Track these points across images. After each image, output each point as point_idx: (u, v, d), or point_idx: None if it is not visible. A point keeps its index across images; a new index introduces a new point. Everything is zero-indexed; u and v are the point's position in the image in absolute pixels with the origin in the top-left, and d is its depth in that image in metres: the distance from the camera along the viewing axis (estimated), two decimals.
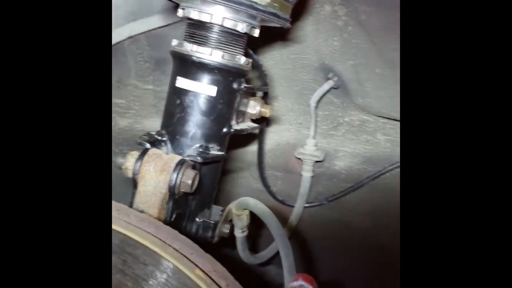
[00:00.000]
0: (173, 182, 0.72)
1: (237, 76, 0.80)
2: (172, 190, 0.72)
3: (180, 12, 0.79)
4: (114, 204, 0.60)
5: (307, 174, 1.20)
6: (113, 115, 1.31)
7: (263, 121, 1.12)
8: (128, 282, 0.55)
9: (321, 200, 1.26)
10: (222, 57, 0.77)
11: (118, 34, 1.16)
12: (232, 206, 0.88)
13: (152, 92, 1.27)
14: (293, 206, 1.25)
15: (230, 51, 0.78)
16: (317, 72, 1.14)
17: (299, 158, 1.20)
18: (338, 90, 1.14)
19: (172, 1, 0.82)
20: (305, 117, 1.22)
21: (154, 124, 1.30)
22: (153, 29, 1.15)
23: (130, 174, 0.74)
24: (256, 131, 1.09)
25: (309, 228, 1.30)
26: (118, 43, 1.17)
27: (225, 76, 0.78)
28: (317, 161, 1.20)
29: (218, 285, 0.54)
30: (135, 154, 0.75)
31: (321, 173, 1.24)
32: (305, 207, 1.25)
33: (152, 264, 0.54)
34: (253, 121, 0.94)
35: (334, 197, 1.24)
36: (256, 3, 0.71)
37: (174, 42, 0.81)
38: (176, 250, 0.55)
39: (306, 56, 1.12)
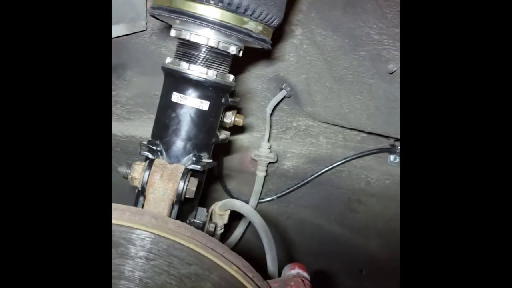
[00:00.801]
0: (181, 190, 0.80)
1: (226, 92, 0.90)
2: (179, 197, 0.80)
3: (173, 33, 0.86)
4: (151, 213, 0.67)
5: (261, 173, 1.34)
6: None
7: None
8: (172, 281, 0.63)
9: (271, 196, 1.40)
10: (216, 75, 0.86)
11: None
12: (216, 207, 0.98)
13: None
14: (247, 202, 1.37)
15: (222, 70, 0.88)
16: (270, 82, 1.27)
17: (255, 160, 1.33)
18: (289, 98, 1.29)
19: (163, 22, 0.89)
20: (257, 122, 1.34)
21: None
22: (117, 36, 1.18)
23: (137, 183, 0.80)
24: None
25: None
26: None
27: (217, 92, 0.88)
28: (270, 162, 1.34)
29: (249, 277, 0.65)
30: (141, 164, 0.81)
31: (272, 172, 1.39)
32: (258, 202, 1.38)
33: (195, 264, 0.63)
34: (225, 129, 1.04)
35: (283, 193, 1.40)
36: (251, 31, 0.82)
37: (168, 60, 0.87)
38: (213, 250, 0.64)
39: (262, 68, 1.25)
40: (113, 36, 1.18)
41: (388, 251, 1.45)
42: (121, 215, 0.63)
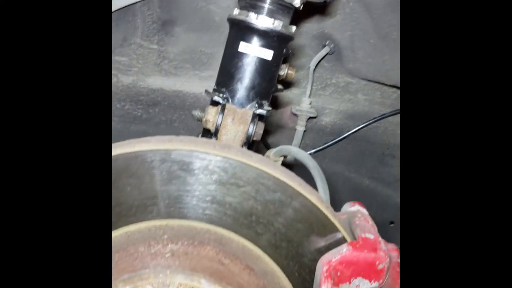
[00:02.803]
0: (251, 132, 0.87)
1: (288, 42, 0.95)
2: (248, 139, 0.87)
3: None
4: (236, 147, 0.74)
5: (301, 128, 1.40)
6: (115, 72, 1.36)
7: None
8: (258, 206, 0.71)
9: (309, 150, 1.47)
10: (281, 26, 0.91)
11: None
12: (270, 153, 1.05)
13: (156, 51, 1.34)
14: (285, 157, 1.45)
15: (285, 21, 0.93)
16: (313, 39, 1.32)
17: (295, 114, 1.39)
18: (330, 56, 1.34)
19: None
20: (296, 79, 1.40)
21: (156, 82, 1.38)
22: None
23: (210, 126, 0.87)
24: None
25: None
26: (132, 4, 1.22)
27: (281, 42, 0.93)
28: (310, 118, 1.40)
29: (324, 205, 0.73)
30: (214, 108, 0.88)
31: (309, 128, 1.45)
32: None
33: (280, 191, 0.70)
34: (278, 81, 1.10)
35: (320, 148, 1.47)
36: None
37: (236, 11, 0.93)
38: (294, 180, 0.72)
39: (307, 25, 1.29)
40: None
41: None
42: (213, 147, 0.70)
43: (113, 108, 1.41)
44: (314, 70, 1.35)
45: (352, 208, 0.87)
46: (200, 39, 1.32)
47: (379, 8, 1.16)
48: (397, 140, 1.45)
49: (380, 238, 0.72)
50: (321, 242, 0.73)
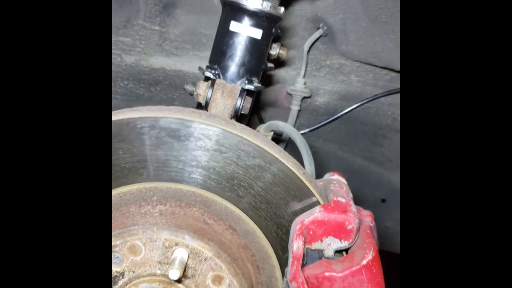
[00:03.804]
0: (238, 106, 0.93)
1: (277, 22, 1.01)
2: (236, 112, 0.94)
3: None
4: (221, 116, 0.80)
5: (295, 107, 1.46)
6: (118, 52, 1.43)
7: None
8: (239, 170, 0.78)
9: (303, 130, 1.53)
10: (270, 7, 0.97)
11: None
12: (261, 129, 1.12)
13: (158, 32, 1.40)
14: (280, 135, 1.51)
15: (274, 2, 0.98)
16: (308, 22, 1.37)
17: (290, 94, 1.45)
18: (324, 38, 1.39)
19: None
20: (292, 60, 1.45)
21: (158, 61, 1.45)
22: None
23: (201, 99, 0.94)
24: None
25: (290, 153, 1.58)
26: None
27: (270, 22, 0.99)
28: (304, 97, 1.46)
29: (301, 172, 0.79)
30: (205, 83, 0.94)
31: (304, 108, 1.51)
32: None
33: (259, 157, 0.77)
34: (269, 60, 1.15)
35: (314, 127, 1.52)
36: None
37: None
38: (273, 147, 0.78)
39: (301, 8, 1.34)
40: None
41: None
42: (199, 116, 0.76)
43: (116, 87, 1.48)
44: (308, 51, 1.40)
45: (332, 177, 0.93)
46: (200, 21, 1.38)
47: None
48: (388, 120, 1.50)
49: (351, 201, 0.78)
50: (297, 205, 0.79)
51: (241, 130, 0.77)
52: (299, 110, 1.48)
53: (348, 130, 1.56)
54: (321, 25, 1.35)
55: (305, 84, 1.44)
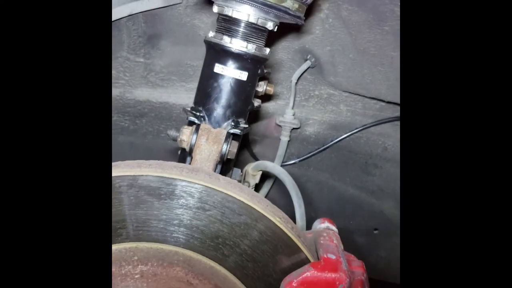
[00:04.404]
0: (224, 151, 0.90)
1: (262, 63, 0.98)
2: (222, 158, 0.90)
3: (215, 9, 0.94)
4: (205, 170, 0.77)
5: (285, 138, 1.43)
6: None
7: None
8: (224, 229, 0.74)
9: (294, 159, 1.50)
10: (255, 49, 0.94)
11: (119, 12, 1.25)
12: (249, 168, 1.09)
13: (143, 64, 1.37)
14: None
15: (259, 43, 0.96)
16: (296, 53, 1.35)
17: (279, 125, 1.42)
18: (312, 69, 1.37)
19: None
20: (281, 90, 1.43)
21: (143, 93, 1.41)
22: (154, 8, 1.25)
23: (185, 145, 0.90)
24: None
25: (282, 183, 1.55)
26: (117, 20, 1.26)
27: (255, 64, 0.96)
28: (294, 128, 1.43)
29: (289, 227, 0.76)
30: (189, 128, 0.91)
31: (294, 138, 1.48)
32: (281, 165, 1.49)
33: (245, 214, 0.74)
34: (257, 97, 1.13)
35: (304, 157, 1.50)
36: (289, 9, 0.90)
37: (211, 34, 0.96)
38: (259, 203, 0.75)
39: (288, 40, 1.32)
40: (150, 8, 1.26)
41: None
42: (180, 171, 0.73)
43: None
44: (297, 83, 1.38)
45: (322, 225, 0.90)
46: (186, 52, 1.35)
47: (356, 25, 1.19)
48: (379, 150, 1.48)
49: (341, 258, 0.75)
50: (286, 262, 0.76)
51: (225, 186, 0.74)
52: (289, 141, 1.46)
53: (339, 159, 1.53)
54: (309, 56, 1.33)
55: (294, 115, 1.41)
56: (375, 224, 1.60)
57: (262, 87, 1.07)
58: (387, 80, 1.28)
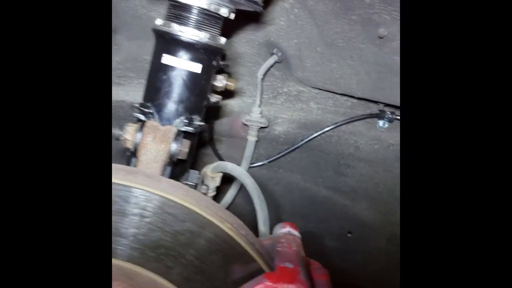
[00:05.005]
0: (173, 151, 0.81)
1: (218, 54, 0.90)
2: (171, 158, 0.81)
3: None
4: (145, 172, 0.68)
5: (252, 138, 1.35)
6: None
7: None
8: (167, 237, 0.65)
9: (262, 161, 1.42)
10: (208, 38, 0.86)
11: None
12: (207, 170, 1.00)
13: None
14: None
15: (213, 32, 0.87)
16: (261, 47, 1.27)
17: (246, 124, 1.34)
18: (279, 64, 1.29)
19: None
20: (247, 87, 1.34)
21: None
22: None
23: (130, 145, 0.81)
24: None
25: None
26: None
27: (209, 55, 0.88)
28: (261, 127, 1.35)
29: (241, 234, 0.68)
30: (133, 126, 0.82)
31: (262, 137, 1.40)
32: (249, 167, 1.40)
33: (189, 221, 0.65)
34: (217, 93, 1.04)
35: (273, 158, 1.41)
36: None
37: (159, 22, 0.87)
38: (206, 207, 0.66)
39: (252, 33, 1.24)
40: None
41: (374, 213, 1.49)
42: (116, 174, 0.64)
43: None
44: (263, 79, 1.30)
45: (283, 230, 0.82)
46: (143, 47, 1.26)
47: (323, 15, 1.12)
48: (351, 149, 1.41)
49: (300, 266, 0.67)
50: (238, 274, 0.68)
51: (167, 189, 0.65)
52: (256, 141, 1.37)
53: (310, 159, 1.45)
54: (275, 50, 1.25)
55: (261, 113, 1.33)
56: (349, 227, 1.53)
57: (221, 81, 0.99)
58: (356, 74, 1.21)
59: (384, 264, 1.53)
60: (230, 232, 0.66)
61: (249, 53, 1.29)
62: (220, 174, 1.01)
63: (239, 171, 0.94)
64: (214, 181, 1.01)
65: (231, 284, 0.67)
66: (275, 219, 1.52)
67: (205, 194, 1.00)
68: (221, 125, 1.38)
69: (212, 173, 1.00)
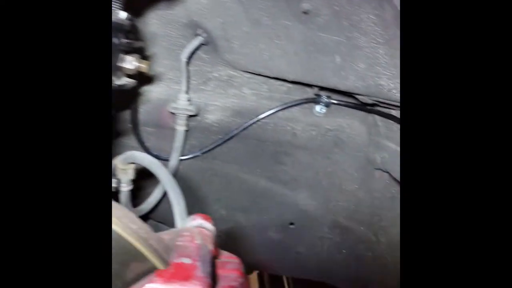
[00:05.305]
0: None
1: (117, 31, 0.80)
2: None
3: None
4: None
5: (181, 128, 1.26)
6: None
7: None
8: None
9: (195, 152, 1.33)
10: None
11: None
12: (118, 161, 0.90)
13: None
14: (167, 160, 1.30)
15: (114, 5, 0.78)
16: (185, 28, 1.18)
17: (173, 113, 1.25)
18: (207, 46, 1.21)
19: None
20: (174, 72, 1.25)
21: None
22: None
23: None
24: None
25: (185, 179, 1.37)
26: None
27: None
28: (190, 116, 1.26)
29: (131, 228, 0.59)
30: None
31: (194, 127, 1.31)
32: (181, 160, 1.31)
33: None
34: (130, 77, 0.95)
35: (207, 149, 1.33)
36: None
37: None
38: None
39: (173, 12, 1.15)
40: None
41: (316, 202, 1.43)
42: None
43: None
44: (188, 62, 1.21)
45: (193, 222, 0.74)
46: None
47: None
48: (288, 136, 1.34)
49: (199, 262, 0.59)
50: (130, 275, 0.59)
51: None
52: (186, 130, 1.28)
53: (247, 149, 1.38)
54: (200, 31, 1.17)
55: (189, 100, 1.24)
56: (290, 217, 1.47)
57: (130, 63, 0.90)
58: (285, 54, 1.14)
59: (327, 253, 1.47)
60: (116, 227, 0.57)
61: (173, 35, 1.20)
62: (133, 166, 0.92)
63: (149, 160, 0.85)
64: (126, 174, 0.92)
65: (121, 285, 0.58)
66: (215, 213, 1.45)
67: (116, 188, 0.91)
68: (147, 114, 1.28)
69: (122, 164, 0.90)
